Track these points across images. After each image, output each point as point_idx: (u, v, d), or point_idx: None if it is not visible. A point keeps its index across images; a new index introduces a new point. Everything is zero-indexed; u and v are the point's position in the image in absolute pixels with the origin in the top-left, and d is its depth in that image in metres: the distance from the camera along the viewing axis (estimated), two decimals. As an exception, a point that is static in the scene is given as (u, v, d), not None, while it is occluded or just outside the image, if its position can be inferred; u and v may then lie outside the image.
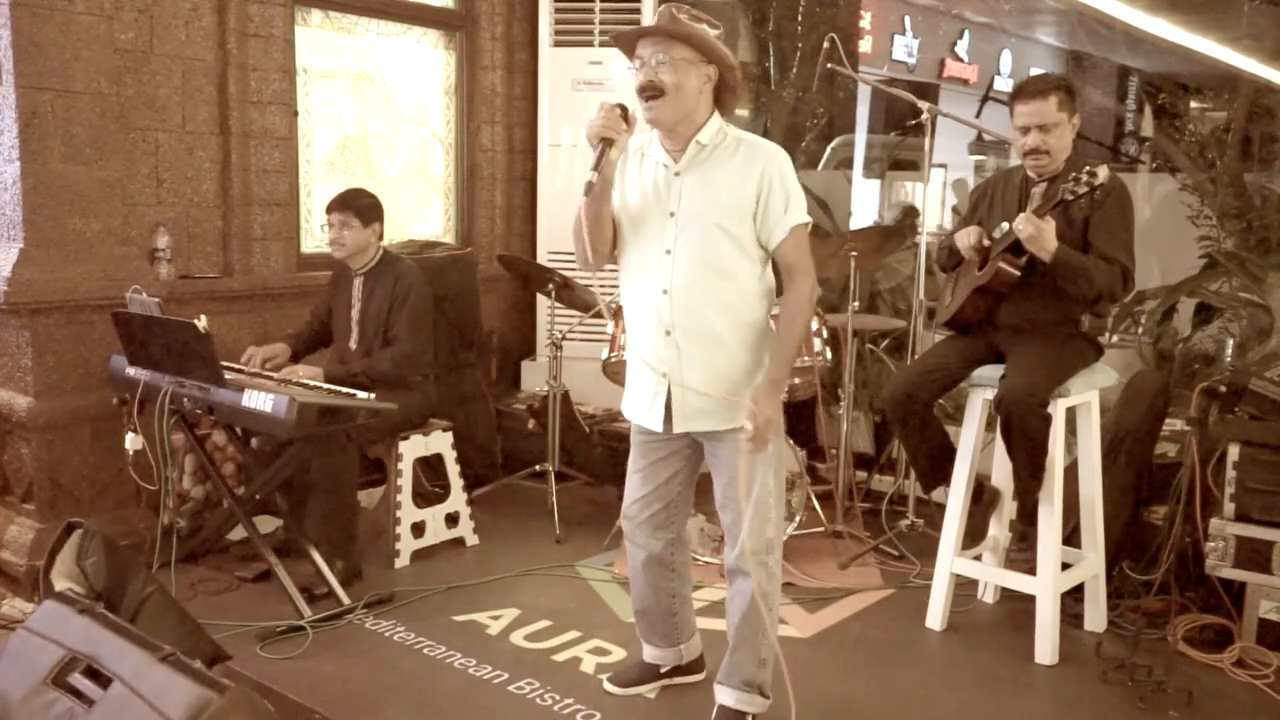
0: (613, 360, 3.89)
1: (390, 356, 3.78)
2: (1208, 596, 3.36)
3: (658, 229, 2.52)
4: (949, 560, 3.35)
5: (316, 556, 3.43)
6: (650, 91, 2.41)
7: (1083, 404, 3.26)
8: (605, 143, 2.41)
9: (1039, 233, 2.95)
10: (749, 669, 2.67)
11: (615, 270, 2.69)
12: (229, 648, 2.82)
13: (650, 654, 2.97)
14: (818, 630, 3.38)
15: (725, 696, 2.72)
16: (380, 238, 3.93)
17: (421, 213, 5.20)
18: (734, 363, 2.52)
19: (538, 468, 4.52)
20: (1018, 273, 3.12)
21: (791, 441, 3.93)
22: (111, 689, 2.15)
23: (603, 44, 5.03)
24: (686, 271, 2.47)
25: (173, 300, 3.78)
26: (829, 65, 4.24)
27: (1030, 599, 3.20)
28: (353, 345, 3.91)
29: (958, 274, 3.37)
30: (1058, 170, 3.15)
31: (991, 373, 3.21)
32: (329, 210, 3.82)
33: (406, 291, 3.82)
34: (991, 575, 3.45)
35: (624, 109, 2.45)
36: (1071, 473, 3.32)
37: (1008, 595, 3.54)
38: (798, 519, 3.87)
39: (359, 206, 3.81)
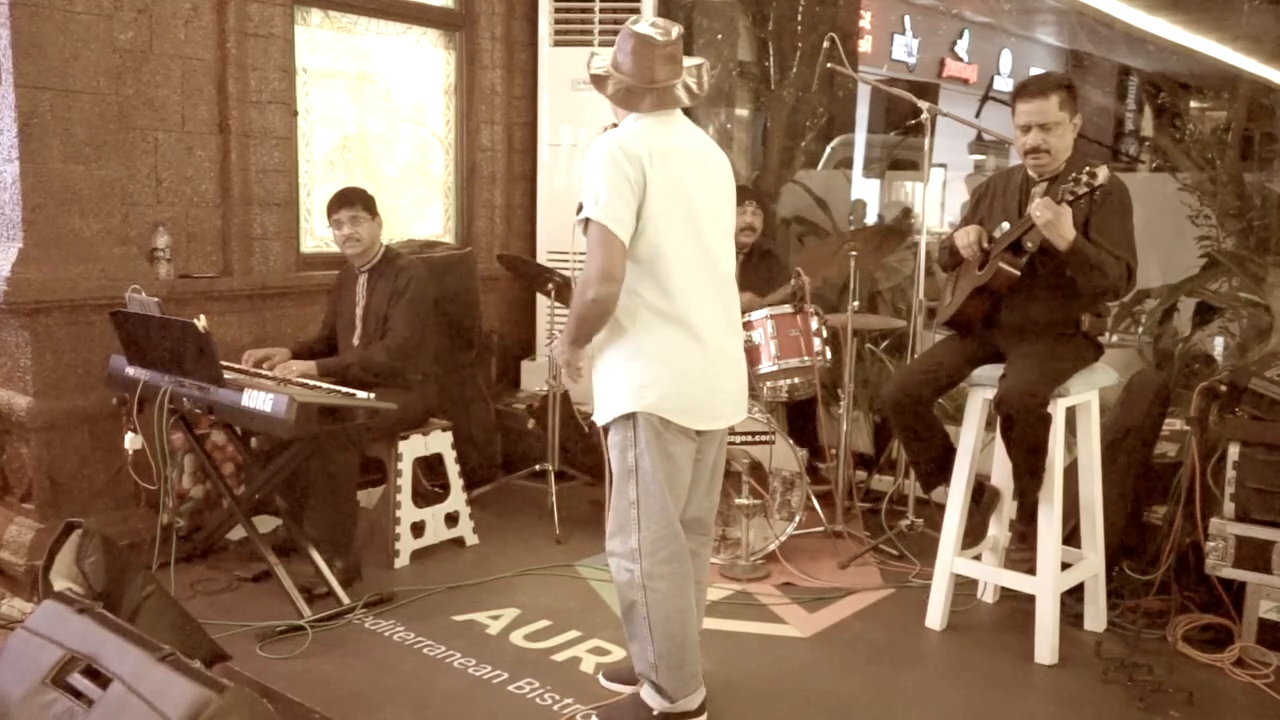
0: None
1: (385, 346, 3.78)
2: (1208, 596, 3.36)
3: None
4: (949, 560, 3.35)
5: (316, 556, 3.43)
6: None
7: (1083, 404, 3.26)
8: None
9: (1056, 218, 2.92)
10: (641, 664, 2.71)
11: None
12: (229, 648, 2.82)
13: None
14: (818, 630, 3.38)
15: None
16: (380, 230, 3.95)
17: (421, 213, 5.20)
18: (597, 355, 2.66)
19: (538, 468, 4.52)
20: (1018, 273, 3.11)
21: (791, 441, 3.94)
22: (111, 689, 2.15)
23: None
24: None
25: (172, 300, 3.79)
26: (829, 65, 4.24)
27: (1030, 599, 3.20)
28: (355, 341, 3.92)
29: (957, 274, 3.37)
30: (1058, 170, 3.14)
31: (991, 373, 3.21)
32: (338, 208, 3.83)
33: (406, 284, 3.84)
34: (991, 575, 3.45)
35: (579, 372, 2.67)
36: (1071, 473, 3.32)
37: (1008, 595, 3.54)
38: (798, 519, 3.88)
39: (366, 200, 3.86)
